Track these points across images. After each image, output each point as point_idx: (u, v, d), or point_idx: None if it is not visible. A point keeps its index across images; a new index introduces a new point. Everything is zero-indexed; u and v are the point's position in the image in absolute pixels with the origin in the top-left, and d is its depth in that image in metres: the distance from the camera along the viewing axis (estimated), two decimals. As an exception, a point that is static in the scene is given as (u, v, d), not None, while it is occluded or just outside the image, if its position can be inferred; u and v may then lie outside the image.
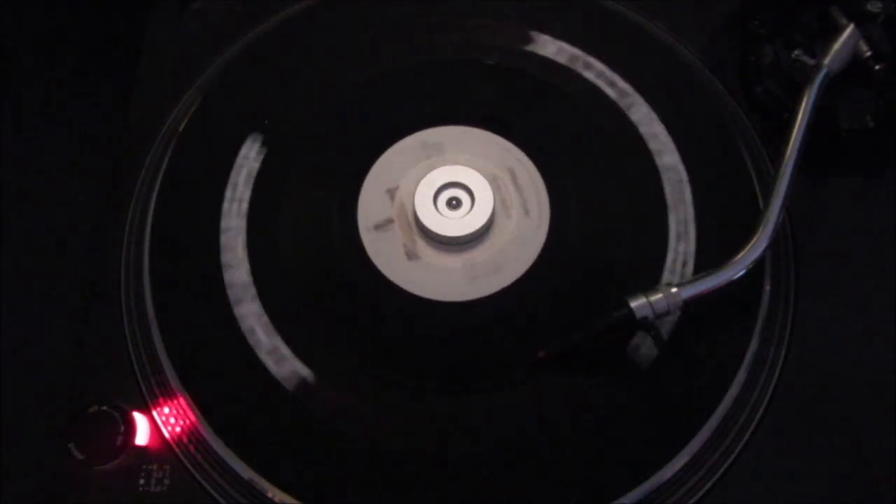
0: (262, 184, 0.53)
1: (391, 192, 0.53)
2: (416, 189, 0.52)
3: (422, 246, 0.52)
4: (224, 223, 0.52)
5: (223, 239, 0.51)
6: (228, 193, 0.53)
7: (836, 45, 0.51)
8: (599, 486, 0.45)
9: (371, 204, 0.53)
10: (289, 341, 0.49)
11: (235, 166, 0.54)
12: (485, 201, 0.51)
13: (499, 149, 0.54)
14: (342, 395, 0.47)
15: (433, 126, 0.55)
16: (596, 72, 0.56)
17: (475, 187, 0.52)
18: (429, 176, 0.52)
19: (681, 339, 0.48)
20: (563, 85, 0.56)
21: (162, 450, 0.47)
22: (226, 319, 0.49)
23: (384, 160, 0.54)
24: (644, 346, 0.48)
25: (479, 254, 0.51)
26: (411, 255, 0.51)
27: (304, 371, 0.48)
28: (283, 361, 0.48)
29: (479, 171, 0.52)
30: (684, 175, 0.53)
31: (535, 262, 0.50)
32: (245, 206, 0.53)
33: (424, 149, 0.54)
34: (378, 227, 0.52)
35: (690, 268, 0.50)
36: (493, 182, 0.52)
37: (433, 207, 0.51)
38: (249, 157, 0.54)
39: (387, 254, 0.51)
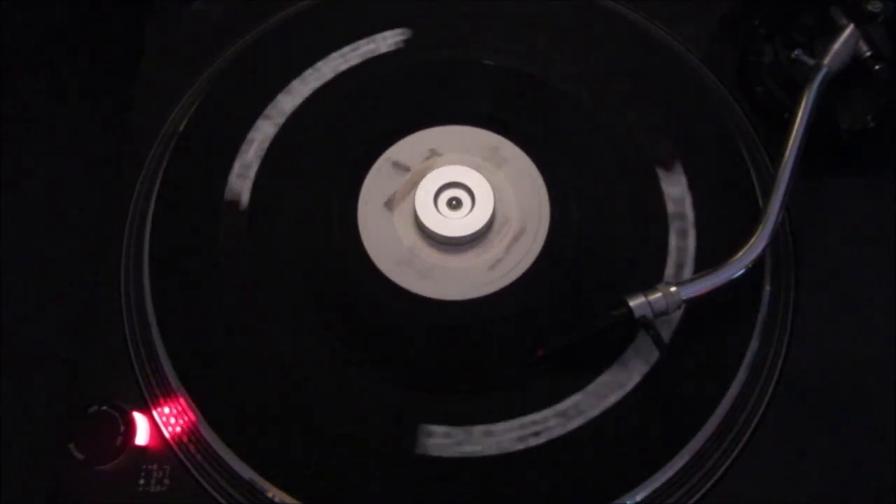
0: (263, 179, 0.53)
1: (432, 151, 0.54)
2: (426, 176, 0.52)
3: (403, 206, 0.52)
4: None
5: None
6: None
7: (836, 45, 0.51)
8: (600, 485, 0.45)
9: (408, 148, 0.54)
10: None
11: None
12: (479, 219, 0.51)
13: (538, 199, 0.53)
14: (342, 395, 0.47)
15: (510, 140, 0.55)
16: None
17: (479, 202, 0.52)
18: (441, 170, 0.52)
19: (681, 339, 0.48)
20: (562, 84, 0.56)
21: (162, 450, 0.47)
22: (226, 319, 0.49)
23: (452, 130, 0.55)
24: None
25: (427, 254, 0.51)
26: (389, 205, 0.52)
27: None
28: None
29: (503, 204, 0.52)
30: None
31: (454, 300, 0.50)
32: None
33: (492, 153, 0.54)
34: (395, 164, 0.53)
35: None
36: (505, 222, 0.52)
37: (433, 198, 0.52)
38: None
39: (375, 189, 0.53)
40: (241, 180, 0.53)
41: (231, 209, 0.52)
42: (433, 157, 0.54)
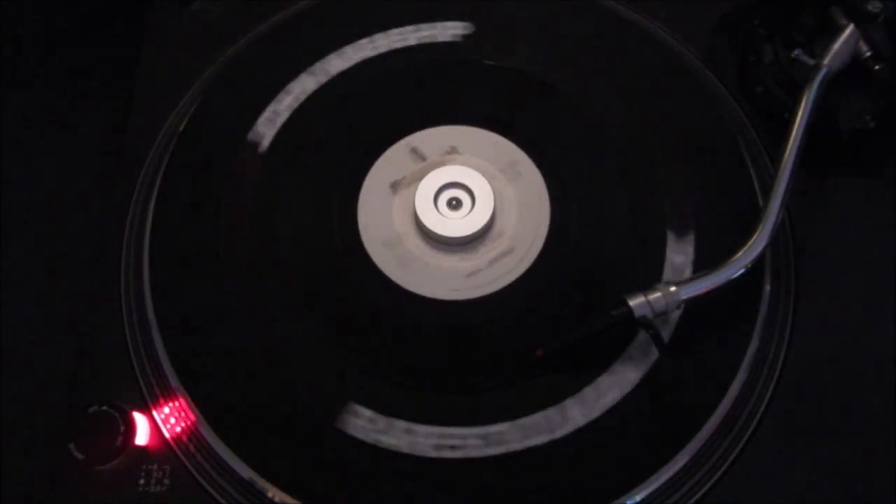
0: (263, 180, 0.53)
1: (452, 149, 0.54)
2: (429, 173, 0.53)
3: (407, 190, 0.53)
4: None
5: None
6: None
7: (836, 45, 0.51)
8: (599, 486, 0.45)
9: (431, 140, 0.55)
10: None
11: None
12: (477, 220, 0.51)
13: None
14: (342, 395, 0.47)
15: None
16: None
17: (479, 204, 0.52)
18: (444, 169, 0.53)
19: (681, 339, 0.48)
20: (562, 84, 0.56)
21: (162, 450, 0.47)
22: (226, 319, 0.49)
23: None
24: None
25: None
26: (395, 187, 0.53)
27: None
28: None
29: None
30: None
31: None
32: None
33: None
34: (413, 150, 0.54)
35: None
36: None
37: (433, 197, 0.52)
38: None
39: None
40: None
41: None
42: (454, 154, 0.54)
